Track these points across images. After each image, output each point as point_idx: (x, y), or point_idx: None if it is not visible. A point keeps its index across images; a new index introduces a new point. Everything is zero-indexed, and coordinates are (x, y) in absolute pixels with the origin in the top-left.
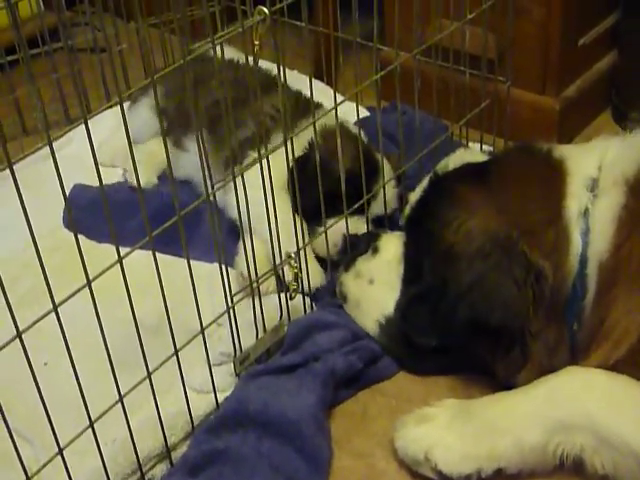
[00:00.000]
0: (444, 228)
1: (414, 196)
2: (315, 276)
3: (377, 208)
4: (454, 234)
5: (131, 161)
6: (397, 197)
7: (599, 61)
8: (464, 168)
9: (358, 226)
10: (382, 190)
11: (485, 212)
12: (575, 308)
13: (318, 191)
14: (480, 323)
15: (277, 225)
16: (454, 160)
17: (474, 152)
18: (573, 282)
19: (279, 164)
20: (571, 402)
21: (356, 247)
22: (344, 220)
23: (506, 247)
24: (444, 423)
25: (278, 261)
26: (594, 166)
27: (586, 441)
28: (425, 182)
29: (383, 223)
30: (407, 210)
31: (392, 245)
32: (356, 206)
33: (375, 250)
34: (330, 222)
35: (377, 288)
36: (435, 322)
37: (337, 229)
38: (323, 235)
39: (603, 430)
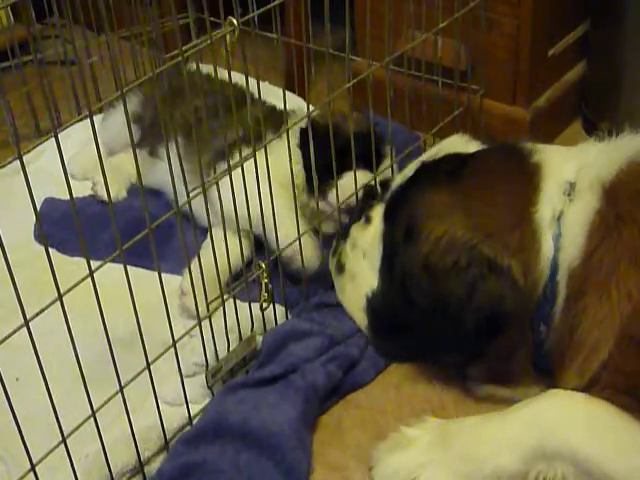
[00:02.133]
0: (414, 234)
1: (396, 182)
2: (311, 258)
3: (384, 174)
4: (424, 243)
5: (101, 174)
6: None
7: (569, 72)
8: (445, 164)
9: (370, 178)
10: (389, 154)
11: (452, 218)
12: (544, 313)
13: (330, 149)
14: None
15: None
16: (446, 147)
17: (462, 139)
18: (544, 287)
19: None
20: (551, 430)
21: (372, 197)
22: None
23: (467, 252)
24: (423, 450)
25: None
26: (573, 170)
27: (566, 469)
28: (409, 169)
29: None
30: (387, 195)
31: (380, 221)
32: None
33: (368, 220)
34: (345, 176)
35: (367, 263)
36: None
37: (352, 180)
38: (339, 190)
39: (583, 459)
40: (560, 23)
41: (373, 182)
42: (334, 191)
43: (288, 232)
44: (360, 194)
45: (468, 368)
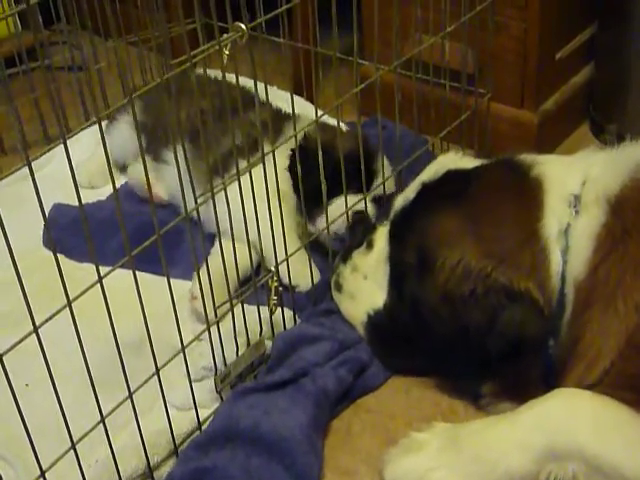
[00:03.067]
0: (428, 262)
1: (398, 202)
2: (302, 277)
3: (376, 190)
4: (440, 272)
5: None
6: (395, 180)
7: (576, 75)
8: (448, 185)
9: (360, 205)
10: (381, 170)
11: (464, 245)
12: (553, 327)
13: (319, 173)
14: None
15: (272, 232)
16: (442, 165)
17: (456, 156)
18: (555, 301)
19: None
20: (559, 429)
21: (363, 224)
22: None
23: (482, 281)
24: (433, 454)
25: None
26: (577, 182)
27: (577, 468)
28: (410, 191)
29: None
30: (391, 216)
31: (385, 242)
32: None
33: (370, 244)
34: (335, 201)
35: (370, 284)
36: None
37: (342, 207)
38: (330, 216)
39: (593, 457)
40: (567, 26)
41: (363, 205)
42: (323, 216)
43: (282, 248)
44: (350, 219)
45: (481, 386)
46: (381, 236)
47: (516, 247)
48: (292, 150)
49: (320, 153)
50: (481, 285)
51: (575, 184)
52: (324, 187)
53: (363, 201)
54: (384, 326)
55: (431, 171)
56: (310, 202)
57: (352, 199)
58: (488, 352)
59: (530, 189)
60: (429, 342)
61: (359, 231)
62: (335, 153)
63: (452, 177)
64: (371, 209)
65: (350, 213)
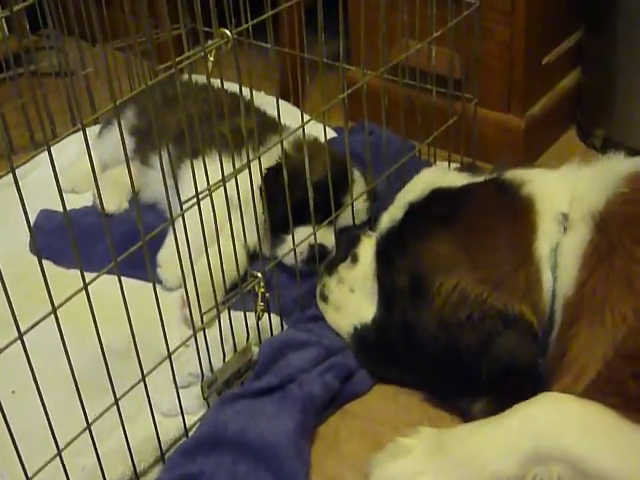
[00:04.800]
0: (422, 287)
1: (384, 221)
2: None
3: (346, 220)
4: (436, 297)
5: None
6: (367, 211)
7: (563, 79)
8: (436, 206)
9: (326, 236)
10: (351, 202)
11: (459, 270)
12: (543, 344)
13: (287, 200)
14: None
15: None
16: (426, 180)
17: (440, 171)
18: (546, 319)
19: (244, 182)
20: (545, 433)
21: (325, 256)
22: (311, 229)
23: (479, 306)
24: (420, 458)
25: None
26: (565, 200)
27: (562, 471)
28: (396, 210)
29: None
30: (378, 236)
31: (370, 256)
32: (328, 219)
33: (354, 258)
34: (298, 230)
35: (357, 297)
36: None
37: (305, 238)
38: (290, 244)
39: (578, 460)
40: (554, 31)
41: (326, 239)
42: (283, 246)
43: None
44: (308, 254)
45: (471, 405)
46: (366, 250)
47: (511, 271)
48: (267, 169)
49: (286, 186)
50: (477, 310)
51: (563, 202)
52: (290, 217)
53: (327, 233)
54: (371, 339)
55: (416, 189)
56: (277, 226)
57: (319, 231)
58: (480, 374)
59: (522, 211)
60: (420, 360)
61: (343, 244)
62: (303, 181)
63: (440, 197)
64: (331, 242)
65: (308, 246)
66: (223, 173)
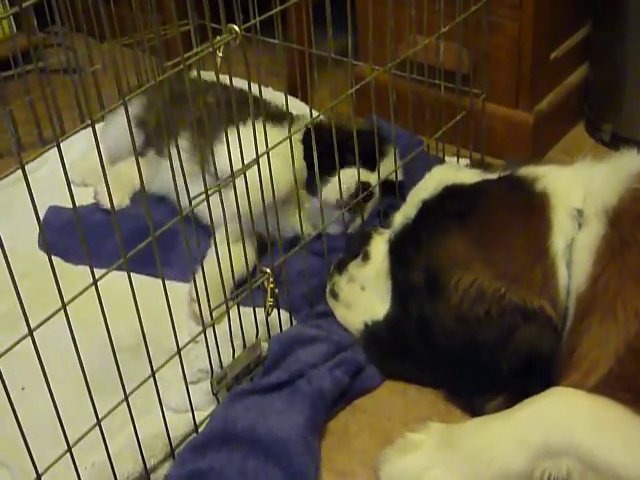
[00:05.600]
0: (439, 284)
1: (398, 220)
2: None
3: (386, 169)
4: (453, 294)
5: (103, 182)
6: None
7: (571, 74)
8: (451, 203)
9: (368, 177)
10: (389, 153)
11: (476, 266)
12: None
13: (330, 147)
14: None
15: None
16: (438, 178)
17: (451, 168)
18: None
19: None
20: (555, 427)
21: (369, 194)
22: (353, 172)
23: (497, 302)
24: (429, 453)
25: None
26: (579, 197)
27: (572, 466)
28: (409, 208)
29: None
30: (392, 234)
31: (381, 254)
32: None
33: (366, 256)
34: (344, 171)
35: (368, 295)
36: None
37: (350, 176)
38: (335, 184)
39: (588, 455)
40: (562, 26)
41: (369, 180)
42: (328, 186)
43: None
44: (355, 191)
45: (486, 403)
46: (377, 247)
47: (527, 266)
48: (307, 127)
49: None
50: (495, 306)
51: (578, 198)
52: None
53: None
54: (383, 336)
55: (429, 187)
56: (321, 173)
57: (359, 173)
58: (500, 369)
59: (537, 206)
60: (435, 357)
61: (354, 242)
62: (345, 129)
63: (454, 194)
64: (375, 185)
65: (355, 184)
66: (232, 167)
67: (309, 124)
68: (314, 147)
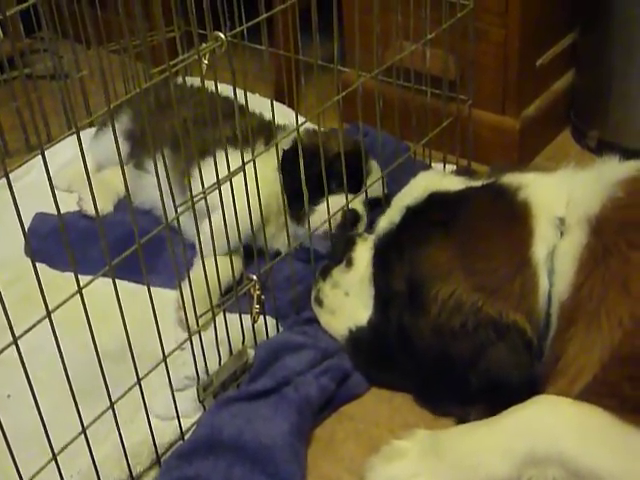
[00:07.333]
0: (420, 294)
1: (382, 225)
2: None
3: (371, 188)
4: (432, 304)
5: (88, 189)
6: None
7: (557, 81)
8: (434, 211)
9: (353, 204)
10: (372, 170)
11: (456, 277)
12: (539, 349)
13: (311, 173)
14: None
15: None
16: (422, 184)
17: (437, 174)
18: (541, 323)
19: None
20: (540, 434)
21: (357, 221)
22: (339, 199)
23: (473, 314)
24: (415, 460)
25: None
26: (562, 204)
27: (557, 474)
28: (394, 214)
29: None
30: (375, 239)
31: (365, 259)
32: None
33: (349, 262)
34: (324, 201)
35: (352, 300)
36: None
37: (335, 205)
38: (320, 213)
39: (573, 462)
40: (548, 32)
41: (356, 207)
42: (314, 217)
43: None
44: (342, 220)
45: (467, 413)
46: (361, 254)
47: (507, 277)
48: (284, 150)
49: (321, 149)
50: (472, 318)
51: (560, 206)
52: (305, 191)
53: (354, 201)
54: (367, 342)
55: (414, 193)
56: (299, 202)
57: (343, 198)
58: (470, 384)
59: (519, 216)
60: (414, 365)
61: (338, 249)
62: (327, 152)
63: (438, 202)
64: (362, 210)
65: (342, 214)
66: (217, 174)
67: (285, 146)
68: (299, 172)
